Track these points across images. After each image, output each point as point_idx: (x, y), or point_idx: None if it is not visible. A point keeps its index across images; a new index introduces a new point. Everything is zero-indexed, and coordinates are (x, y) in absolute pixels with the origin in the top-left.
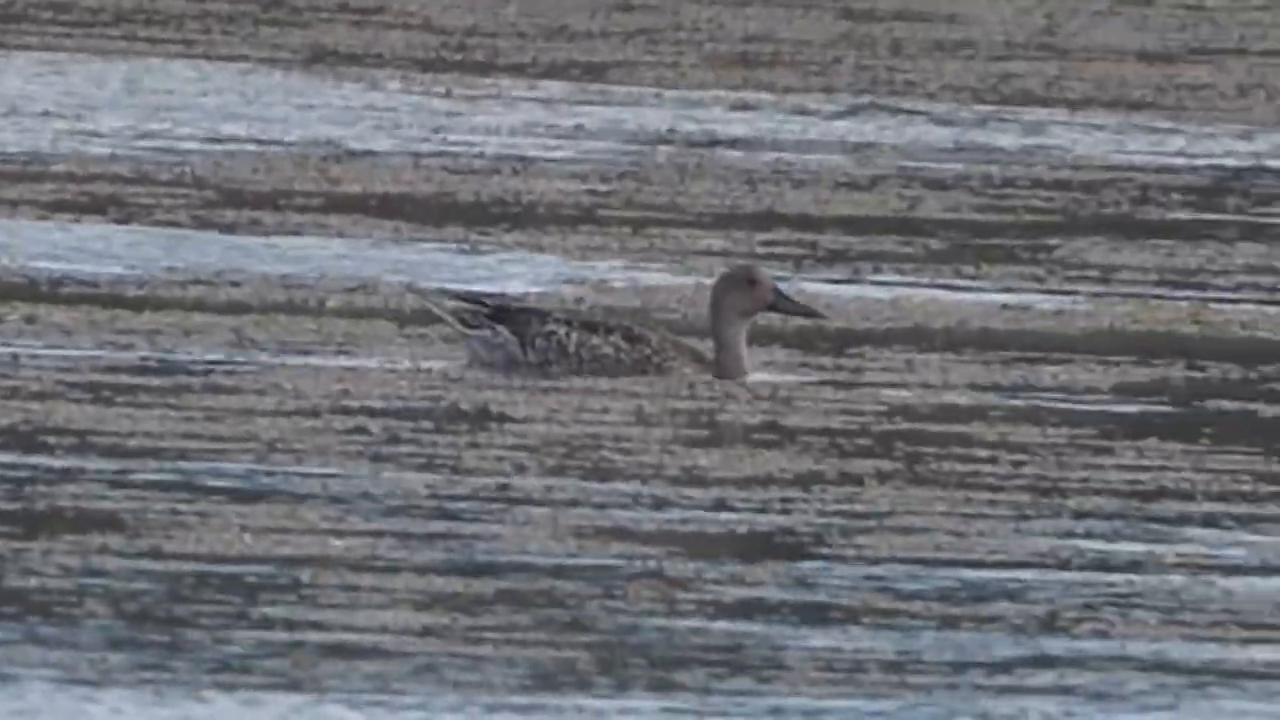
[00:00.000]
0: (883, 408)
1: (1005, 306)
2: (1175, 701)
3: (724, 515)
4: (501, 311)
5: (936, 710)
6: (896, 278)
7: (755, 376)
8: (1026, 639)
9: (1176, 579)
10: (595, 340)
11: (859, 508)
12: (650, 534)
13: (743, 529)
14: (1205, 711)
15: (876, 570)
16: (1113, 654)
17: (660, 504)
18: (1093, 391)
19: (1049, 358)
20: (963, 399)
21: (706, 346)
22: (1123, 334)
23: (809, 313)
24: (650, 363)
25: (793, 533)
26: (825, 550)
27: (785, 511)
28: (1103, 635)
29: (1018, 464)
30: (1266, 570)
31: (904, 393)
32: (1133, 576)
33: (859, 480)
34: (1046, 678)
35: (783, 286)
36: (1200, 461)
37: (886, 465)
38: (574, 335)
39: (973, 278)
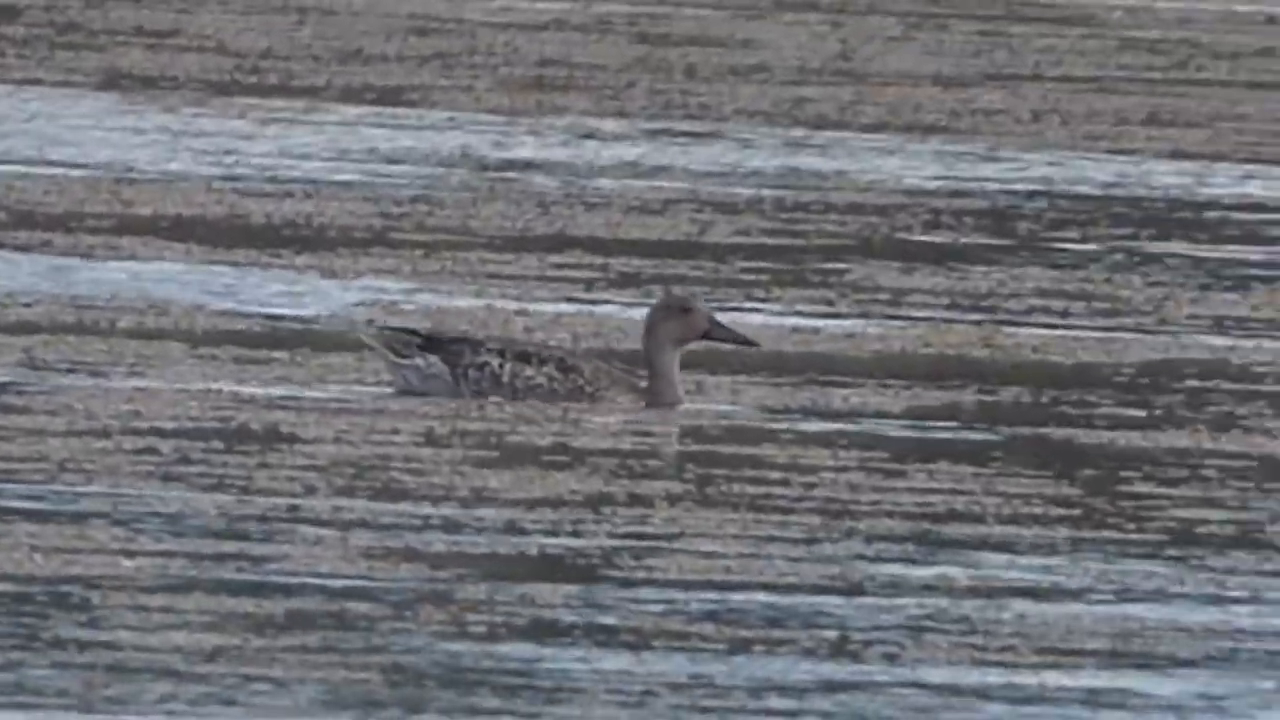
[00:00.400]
0: (673, 429)
1: (796, 329)
2: None
3: (514, 537)
4: (434, 342)
5: None
6: None
7: (690, 405)
8: (818, 663)
9: (968, 603)
10: (529, 371)
11: (649, 530)
12: (441, 556)
13: (533, 551)
14: None
15: (667, 593)
16: (904, 678)
17: (450, 526)
18: (884, 415)
19: (840, 381)
20: (754, 421)
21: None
22: (914, 357)
23: (744, 341)
24: (584, 392)
25: (583, 555)
26: (616, 572)
27: (576, 533)
28: (894, 659)
29: (809, 486)
30: (1058, 594)
31: (695, 414)
32: (924, 600)
33: (649, 502)
34: (838, 701)
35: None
36: (991, 485)
37: (677, 487)
38: (507, 366)
39: (764, 301)
